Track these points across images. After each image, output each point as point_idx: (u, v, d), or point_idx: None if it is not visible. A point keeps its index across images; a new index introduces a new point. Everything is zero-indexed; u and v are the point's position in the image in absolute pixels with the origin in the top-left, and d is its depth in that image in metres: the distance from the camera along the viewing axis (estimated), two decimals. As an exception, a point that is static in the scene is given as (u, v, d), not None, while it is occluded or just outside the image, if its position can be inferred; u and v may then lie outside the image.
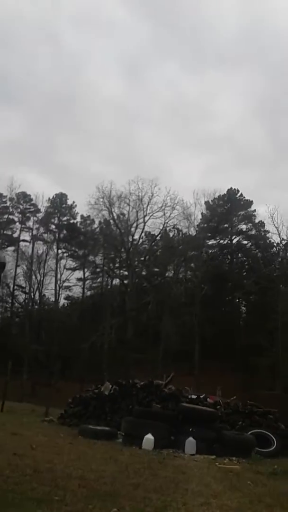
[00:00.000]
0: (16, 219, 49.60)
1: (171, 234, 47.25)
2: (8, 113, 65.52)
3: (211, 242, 48.11)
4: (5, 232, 49.20)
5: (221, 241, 48.20)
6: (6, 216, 49.44)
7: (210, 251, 47.97)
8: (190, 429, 10.13)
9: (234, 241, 48.03)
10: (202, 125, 66.03)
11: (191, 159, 66.74)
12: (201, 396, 12.69)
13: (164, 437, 10.22)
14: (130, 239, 44.53)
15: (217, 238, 48.14)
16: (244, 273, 46.68)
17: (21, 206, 49.56)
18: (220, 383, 23.70)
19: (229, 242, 48.01)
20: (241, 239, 48.18)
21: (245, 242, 48.22)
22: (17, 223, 49.47)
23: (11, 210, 49.67)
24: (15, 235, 49.20)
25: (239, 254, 48.53)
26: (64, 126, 67.13)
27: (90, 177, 67.56)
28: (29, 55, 66.47)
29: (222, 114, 67.83)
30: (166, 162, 67.07)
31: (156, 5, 68.41)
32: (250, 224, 47.83)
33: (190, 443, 9.89)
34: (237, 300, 47.91)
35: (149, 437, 9.96)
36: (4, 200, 49.34)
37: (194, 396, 12.63)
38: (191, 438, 9.94)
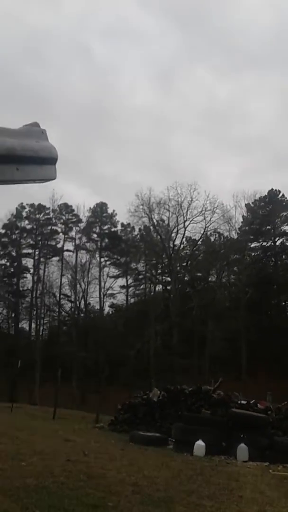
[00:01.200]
0: (59, 229, 50.77)
1: (212, 239, 46.89)
2: (46, 127, 67.12)
3: (253, 245, 47.34)
4: (49, 243, 50.43)
5: (264, 243, 47.31)
6: (49, 227, 50.69)
7: (253, 254, 47.19)
8: (242, 436, 9.98)
9: (277, 243, 47.01)
10: (238, 127, 65.23)
11: (229, 161, 66.07)
12: (251, 402, 12.47)
13: (215, 443, 10.11)
14: (171, 245, 44.51)
15: (260, 240, 47.29)
16: (290, 275, 45.54)
17: (63, 217, 50.68)
18: (269, 388, 23.19)
19: (272, 244, 47.04)
20: (285, 240, 47.07)
21: (289, 243, 47.09)
22: (60, 234, 50.62)
23: (54, 221, 50.90)
24: (59, 245, 50.38)
25: (284, 256, 47.42)
26: (100, 137, 68.15)
27: (129, 185, 68.17)
28: (62, 70, 68.00)
29: (257, 115, 66.78)
30: (203, 166, 66.67)
31: (183, 10, 68.45)
32: (294, 225, 46.69)
33: (242, 449, 9.74)
34: (284, 303, 46.81)
35: (200, 443, 9.89)
36: (47, 212, 50.66)
37: (243, 402, 12.43)
38: (243, 445, 9.78)
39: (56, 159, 2.70)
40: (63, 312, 48.99)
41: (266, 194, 46.83)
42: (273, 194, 46.91)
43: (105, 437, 11.90)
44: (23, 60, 66.92)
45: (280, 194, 46.94)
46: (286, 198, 46.81)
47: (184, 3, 68.24)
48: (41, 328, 49.45)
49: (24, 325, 49.92)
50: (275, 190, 46.98)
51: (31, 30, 65.81)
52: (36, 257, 49.79)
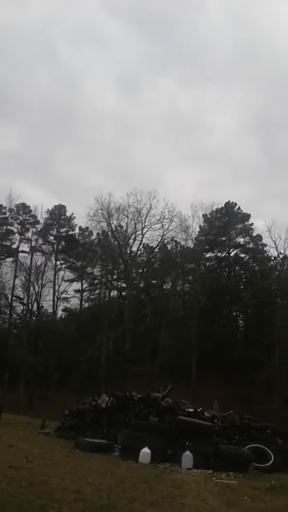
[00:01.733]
0: (15, 230, 49.68)
1: (169, 247, 47.38)
2: (7, 126, 66.09)
3: (208, 255, 48.22)
4: (4, 243, 49.22)
5: (219, 254, 48.28)
6: (5, 227, 49.51)
7: (208, 264, 48.02)
8: (187, 443, 10.09)
9: (231, 254, 48.11)
10: (199, 139, 66.71)
11: (189, 172, 67.38)
12: (198, 410, 12.64)
13: (161, 450, 10.17)
14: (128, 251, 44.60)
15: (215, 251, 48.24)
16: (242, 287, 46.68)
17: (20, 217, 49.66)
18: (217, 396, 23.54)
19: (226, 255, 48.08)
20: (238, 252, 48.26)
21: (242, 255, 48.30)
22: (16, 234, 49.53)
23: (10, 221, 49.80)
24: (14, 246, 49.27)
25: (237, 267, 48.56)
26: (62, 140, 67.76)
27: (89, 189, 68.01)
28: (27, 70, 67.40)
29: (218, 128, 68.66)
30: (164, 174, 67.61)
31: (152, 20, 69.50)
32: (248, 238, 47.97)
33: (187, 457, 9.84)
34: (235, 313, 47.85)
35: (146, 450, 9.91)
36: (3, 211, 49.49)
37: (191, 410, 12.57)
38: (188, 452, 9.89)
39: None
40: (14, 315, 47.89)
41: (223, 206, 47.88)
42: (229, 206, 48.02)
43: (50, 443, 11.69)
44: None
45: (236, 207, 48.16)
46: (241, 210, 48.08)
47: (153, 13, 69.25)
48: (-10, 330, 48.04)
49: (-27, 326, 48.38)
50: (232, 202, 48.15)
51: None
52: (-12, 257, 48.46)
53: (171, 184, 65.78)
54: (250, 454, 10.56)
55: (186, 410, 12.47)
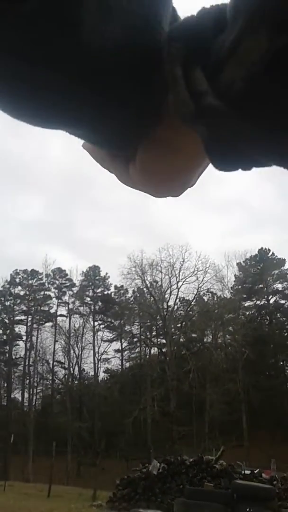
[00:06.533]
0: (52, 294, 50.61)
1: (205, 298, 46.89)
2: (28, 196, 69.19)
3: (247, 303, 47.37)
4: (42, 308, 50.03)
5: (258, 302, 47.38)
6: (43, 293, 50.53)
7: (247, 313, 47.09)
8: (248, 509, 9.51)
9: (271, 301, 47.13)
10: (215, 190, 67.39)
11: (213, 221, 67.73)
12: (255, 471, 11.99)
13: (220, 519, 9.61)
14: (165, 306, 44.38)
15: (253, 299, 47.40)
16: (285, 334, 45.30)
17: (57, 282, 50.70)
18: (272, 454, 22.31)
19: (266, 302, 47.12)
20: (278, 298, 47.26)
21: (282, 301, 47.23)
22: (54, 299, 50.39)
23: (47, 286, 50.87)
24: (52, 310, 49.99)
25: (278, 314, 47.37)
26: (83, 203, 70.02)
27: (120, 248, 68.97)
28: (41, 141, 70.56)
29: (230, 180, 69.00)
30: (188, 227, 67.98)
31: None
32: (286, 283, 47.09)
33: (249, 525, 9.26)
34: (281, 363, 46.12)
35: (205, 520, 9.39)
36: (40, 277, 50.74)
37: (247, 472, 11.94)
38: (249, 520, 9.31)
39: None
40: (56, 380, 47.74)
41: (257, 253, 47.58)
42: (263, 252, 47.66)
43: (103, 516, 11.27)
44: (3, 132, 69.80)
45: (270, 253, 47.75)
46: (276, 256, 47.58)
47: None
48: (34, 398, 47.88)
49: (17, 395, 48.38)
50: (265, 248, 47.83)
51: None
52: (29, 324, 49.21)
53: (200, 236, 66.22)
54: None
55: (242, 472, 11.86)
